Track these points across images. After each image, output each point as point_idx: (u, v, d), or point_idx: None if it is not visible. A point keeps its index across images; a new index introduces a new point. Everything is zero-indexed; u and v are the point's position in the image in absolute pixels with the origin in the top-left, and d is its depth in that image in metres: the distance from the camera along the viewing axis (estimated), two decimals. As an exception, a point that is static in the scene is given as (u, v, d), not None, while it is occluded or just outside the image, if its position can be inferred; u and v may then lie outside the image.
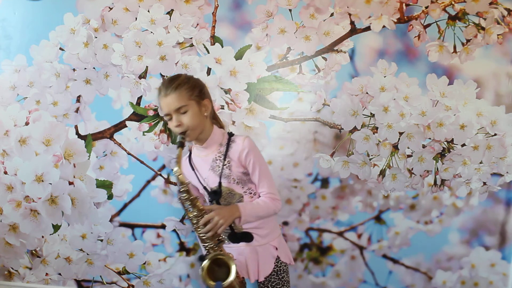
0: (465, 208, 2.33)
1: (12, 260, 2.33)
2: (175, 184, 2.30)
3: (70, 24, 2.24)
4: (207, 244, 1.79)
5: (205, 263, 1.76)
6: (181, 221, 2.31)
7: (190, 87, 1.80)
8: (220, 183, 1.83)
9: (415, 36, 2.22)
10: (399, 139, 2.24)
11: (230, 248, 1.87)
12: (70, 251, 2.33)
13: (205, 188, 1.87)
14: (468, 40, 2.21)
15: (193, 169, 1.88)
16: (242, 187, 1.85)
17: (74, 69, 2.26)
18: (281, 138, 2.29)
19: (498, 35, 2.20)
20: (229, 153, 1.83)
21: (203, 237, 1.78)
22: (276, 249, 1.90)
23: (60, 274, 2.35)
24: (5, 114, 2.26)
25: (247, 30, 2.25)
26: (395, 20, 2.21)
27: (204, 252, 1.84)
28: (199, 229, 1.78)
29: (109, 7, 2.23)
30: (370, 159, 2.27)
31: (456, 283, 2.36)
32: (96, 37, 2.23)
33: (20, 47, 2.29)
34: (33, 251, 2.33)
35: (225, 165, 1.83)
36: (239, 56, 2.24)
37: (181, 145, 1.77)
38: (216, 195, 1.84)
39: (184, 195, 1.76)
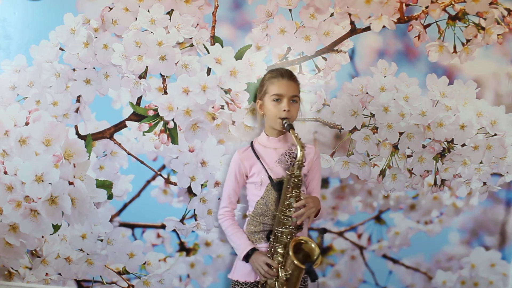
0: (465, 208, 2.33)
1: (12, 260, 2.33)
2: (175, 184, 2.30)
3: (70, 24, 2.23)
4: (284, 228, 1.92)
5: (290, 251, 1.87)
6: (181, 221, 2.31)
7: (299, 86, 2.06)
8: None
9: (415, 36, 2.23)
10: (399, 139, 2.24)
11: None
12: (70, 251, 2.32)
13: (269, 177, 1.98)
14: (468, 40, 2.21)
15: (258, 158, 2.01)
16: None
17: (74, 69, 2.26)
18: (281, 138, 2.29)
19: (498, 35, 2.20)
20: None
21: (285, 220, 1.92)
22: None
23: (60, 274, 2.34)
24: (5, 114, 2.25)
25: (247, 30, 2.25)
26: (395, 20, 2.21)
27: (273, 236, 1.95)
28: (289, 210, 1.91)
29: (109, 7, 2.23)
30: (370, 159, 2.27)
31: (456, 283, 2.35)
32: (96, 37, 2.23)
33: (20, 47, 2.28)
34: (33, 251, 2.33)
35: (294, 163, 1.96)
36: (239, 56, 2.23)
37: (292, 126, 1.93)
38: (281, 186, 1.96)
39: (299, 172, 1.90)
